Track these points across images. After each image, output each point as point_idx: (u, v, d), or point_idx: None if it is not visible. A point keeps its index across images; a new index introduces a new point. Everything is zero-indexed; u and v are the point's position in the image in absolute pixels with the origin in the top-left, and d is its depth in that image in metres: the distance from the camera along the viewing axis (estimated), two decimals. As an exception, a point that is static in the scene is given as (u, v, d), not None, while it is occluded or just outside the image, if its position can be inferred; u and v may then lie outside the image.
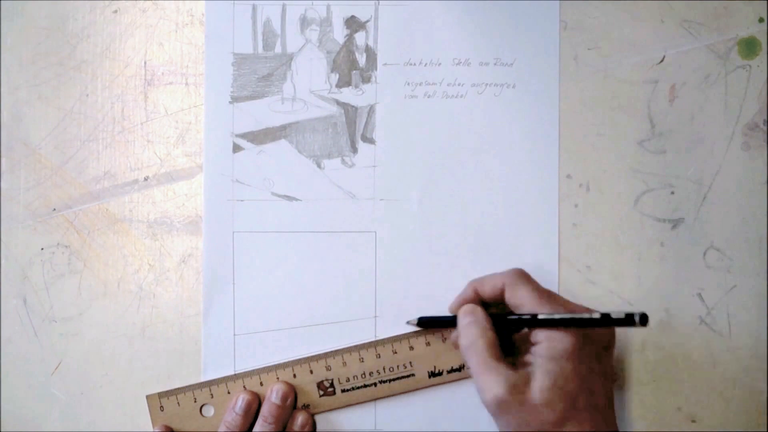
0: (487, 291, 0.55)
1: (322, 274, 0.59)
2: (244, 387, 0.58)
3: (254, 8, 0.60)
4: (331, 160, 0.60)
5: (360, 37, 0.60)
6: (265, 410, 0.57)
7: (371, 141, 0.60)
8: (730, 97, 0.59)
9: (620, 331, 0.58)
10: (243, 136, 0.59)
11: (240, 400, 0.58)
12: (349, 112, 0.60)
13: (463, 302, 0.56)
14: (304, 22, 0.60)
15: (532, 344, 0.51)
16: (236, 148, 0.59)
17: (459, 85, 0.59)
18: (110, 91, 0.60)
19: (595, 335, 0.52)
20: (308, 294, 0.59)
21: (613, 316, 0.50)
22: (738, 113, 0.59)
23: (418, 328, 0.58)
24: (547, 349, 0.50)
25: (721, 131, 0.59)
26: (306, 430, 0.58)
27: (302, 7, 0.60)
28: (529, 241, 0.59)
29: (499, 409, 0.50)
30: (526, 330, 0.53)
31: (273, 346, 0.59)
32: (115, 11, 0.60)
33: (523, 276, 0.54)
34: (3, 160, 0.60)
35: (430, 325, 0.58)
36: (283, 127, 0.60)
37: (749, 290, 0.59)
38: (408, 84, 0.60)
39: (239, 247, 0.59)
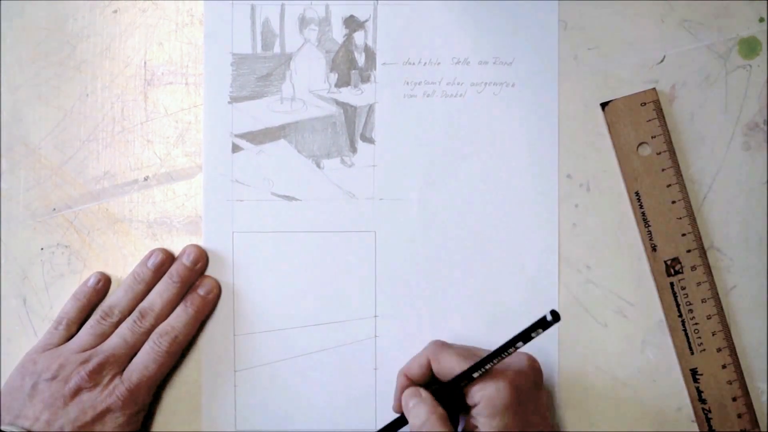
0: (416, 372, 0.55)
1: (322, 274, 0.59)
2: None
3: (253, 8, 0.60)
4: (330, 159, 0.60)
5: (359, 37, 0.60)
6: (173, 269, 0.58)
7: (370, 141, 0.60)
8: (730, 97, 0.59)
9: (619, 335, 0.58)
10: (242, 136, 0.60)
11: (153, 256, 0.58)
12: (349, 111, 0.60)
13: (402, 392, 0.55)
14: (303, 22, 0.60)
15: (472, 407, 0.52)
16: (236, 148, 0.59)
17: (458, 84, 0.59)
18: (110, 91, 0.60)
19: (523, 379, 0.52)
20: (308, 294, 0.59)
21: (527, 325, 0.50)
22: (738, 113, 0.59)
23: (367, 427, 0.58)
24: (485, 407, 0.51)
25: (721, 131, 0.59)
26: (210, 296, 0.58)
27: (301, 7, 0.60)
28: (529, 241, 0.59)
29: None
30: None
31: (273, 346, 0.59)
32: (115, 11, 0.60)
33: (443, 345, 0.55)
34: (3, 160, 0.60)
35: None
36: (283, 127, 0.60)
37: (749, 290, 0.59)
38: (407, 83, 0.60)
39: (239, 247, 0.59)
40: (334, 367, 0.59)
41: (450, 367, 0.53)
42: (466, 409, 0.53)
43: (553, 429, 0.55)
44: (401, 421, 0.55)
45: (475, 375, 0.51)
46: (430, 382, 0.55)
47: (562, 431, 0.57)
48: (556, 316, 0.49)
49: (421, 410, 0.52)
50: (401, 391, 0.55)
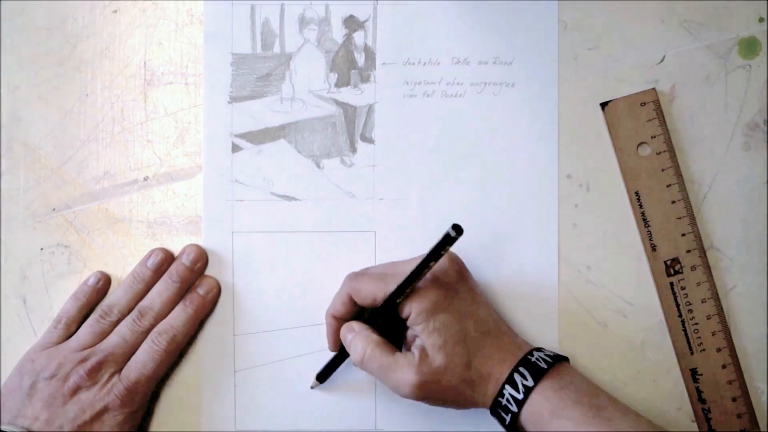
0: (341, 309, 0.56)
1: (322, 274, 0.59)
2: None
3: (253, 8, 0.60)
4: (330, 159, 0.60)
5: (359, 37, 0.60)
6: (173, 269, 0.58)
7: (370, 140, 0.60)
8: (730, 97, 0.59)
9: (619, 335, 0.58)
10: (242, 136, 0.60)
11: (153, 256, 0.58)
12: (348, 111, 0.60)
13: (333, 334, 0.56)
14: (303, 22, 0.60)
15: (405, 320, 0.54)
16: (235, 148, 0.59)
17: (458, 84, 0.59)
18: (110, 91, 0.60)
19: (445, 275, 0.54)
20: (308, 294, 0.59)
21: (434, 244, 0.51)
22: (738, 113, 0.59)
23: (318, 385, 0.58)
24: (417, 315, 0.52)
25: (721, 131, 0.59)
26: (209, 296, 0.58)
27: (301, 7, 0.60)
28: (529, 241, 0.59)
29: (421, 391, 0.52)
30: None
31: (273, 346, 0.59)
32: (115, 11, 0.60)
33: (357, 275, 0.56)
34: (3, 160, 0.60)
35: (327, 374, 0.58)
36: (282, 127, 0.60)
37: (749, 290, 0.59)
38: (407, 83, 0.60)
39: (239, 247, 0.59)
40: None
41: (372, 294, 0.54)
42: (404, 322, 0.54)
43: (490, 311, 0.55)
44: (339, 358, 0.57)
45: (398, 300, 0.53)
46: (359, 313, 0.56)
47: (498, 313, 0.57)
48: (459, 230, 0.50)
49: (358, 343, 0.54)
50: (333, 332, 0.56)
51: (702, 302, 0.58)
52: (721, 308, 0.58)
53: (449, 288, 0.54)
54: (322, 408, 0.59)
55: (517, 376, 0.52)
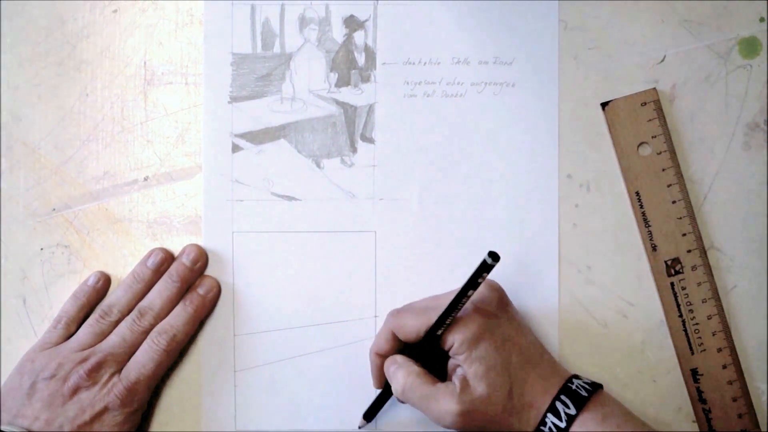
0: (384, 347, 0.55)
1: (322, 274, 0.59)
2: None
3: (253, 8, 0.60)
4: (330, 159, 0.60)
5: (359, 37, 0.60)
6: (173, 268, 0.58)
7: (371, 140, 0.60)
8: (730, 97, 0.59)
9: (619, 335, 0.58)
10: (242, 136, 0.60)
11: (153, 256, 0.58)
12: (349, 111, 0.60)
13: (378, 371, 0.56)
14: (303, 22, 0.60)
15: (448, 351, 0.53)
16: (235, 148, 0.59)
17: (458, 84, 0.59)
18: (110, 90, 0.60)
19: (486, 305, 0.54)
20: (308, 294, 0.59)
21: (471, 272, 0.52)
22: (738, 113, 0.59)
23: (367, 426, 0.58)
24: (460, 346, 0.52)
25: (722, 131, 0.59)
26: (209, 296, 0.58)
27: (301, 7, 0.60)
28: (529, 241, 0.59)
29: (463, 420, 0.52)
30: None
31: (273, 346, 0.59)
32: (115, 11, 0.60)
33: (398, 312, 0.55)
34: (3, 160, 0.60)
35: (374, 412, 0.58)
36: (282, 127, 0.60)
37: (749, 290, 0.59)
38: (407, 83, 0.60)
39: (239, 247, 0.59)
40: (334, 368, 0.59)
41: (415, 329, 0.54)
42: (446, 354, 0.54)
43: (532, 338, 0.55)
44: (384, 395, 0.57)
45: (439, 332, 0.53)
46: (403, 348, 0.56)
47: (539, 340, 0.57)
48: (495, 257, 0.50)
49: (399, 374, 0.54)
50: (378, 369, 0.56)
51: (702, 302, 0.58)
52: (722, 308, 0.58)
53: (490, 316, 0.53)
54: (322, 408, 0.59)
55: (559, 405, 0.52)
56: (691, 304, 0.58)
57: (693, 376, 0.58)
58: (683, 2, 0.59)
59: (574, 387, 0.53)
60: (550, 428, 0.52)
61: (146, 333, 0.56)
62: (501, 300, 0.55)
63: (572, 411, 0.51)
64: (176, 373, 0.59)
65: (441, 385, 0.53)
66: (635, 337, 0.59)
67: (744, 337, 0.58)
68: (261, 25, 0.60)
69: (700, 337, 0.58)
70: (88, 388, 0.54)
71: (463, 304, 0.52)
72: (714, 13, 0.59)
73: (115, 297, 0.58)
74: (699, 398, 0.58)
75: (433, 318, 0.53)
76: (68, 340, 0.57)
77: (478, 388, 0.52)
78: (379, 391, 0.57)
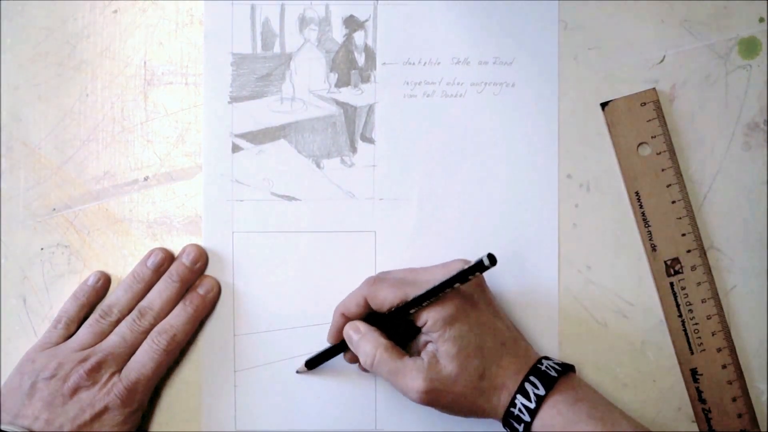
0: (354, 311, 0.55)
1: (322, 274, 0.59)
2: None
3: (253, 8, 0.60)
4: (330, 159, 0.60)
5: (359, 37, 0.60)
6: (173, 268, 0.58)
7: (370, 140, 0.60)
8: (730, 97, 0.59)
9: (619, 335, 0.58)
10: (242, 136, 0.60)
11: (153, 256, 0.58)
12: (348, 111, 0.60)
13: (337, 330, 0.56)
14: (303, 22, 0.60)
15: (421, 327, 0.53)
16: (235, 148, 0.59)
17: (458, 84, 0.59)
18: (110, 90, 0.60)
19: (465, 286, 0.53)
20: (308, 294, 0.59)
21: (465, 267, 0.51)
22: (738, 113, 0.59)
23: (305, 371, 0.58)
24: (434, 324, 0.52)
25: (721, 131, 0.59)
26: (209, 296, 0.58)
27: (301, 7, 0.60)
28: (529, 241, 0.59)
29: (428, 397, 0.52)
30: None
31: (273, 346, 0.59)
32: (115, 11, 0.60)
33: (377, 279, 0.55)
34: (3, 160, 0.60)
35: (317, 362, 0.58)
36: (283, 127, 0.60)
37: (749, 290, 0.59)
38: (407, 83, 0.60)
39: (239, 247, 0.59)
40: (334, 368, 0.59)
41: (389, 300, 0.54)
42: (415, 329, 0.54)
43: (507, 322, 0.56)
44: (334, 350, 0.57)
45: (412, 311, 0.53)
46: (369, 316, 0.56)
47: (515, 326, 0.57)
48: (493, 260, 0.50)
49: (367, 346, 0.54)
50: (338, 329, 0.56)
51: (702, 302, 0.58)
52: (722, 308, 0.58)
53: (468, 298, 0.54)
54: (322, 408, 0.59)
55: (528, 386, 0.52)
56: (690, 304, 0.58)
57: (693, 376, 0.58)
58: (683, 2, 0.59)
59: (543, 368, 0.53)
60: (519, 409, 0.52)
61: (146, 333, 0.56)
62: (479, 284, 0.55)
63: (541, 392, 0.52)
64: (176, 373, 0.59)
65: (409, 361, 0.53)
66: (635, 337, 0.59)
67: (743, 337, 0.58)
68: (261, 25, 0.60)
69: (699, 337, 0.58)
70: (88, 388, 0.54)
71: (445, 294, 0.52)
72: (714, 13, 0.59)
73: (115, 297, 0.58)
74: (699, 398, 0.58)
75: (408, 292, 0.53)
76: (68, 340, 0.57)
77: (448, 366, 0.52)
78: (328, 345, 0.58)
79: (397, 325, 0.54)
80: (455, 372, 0.52)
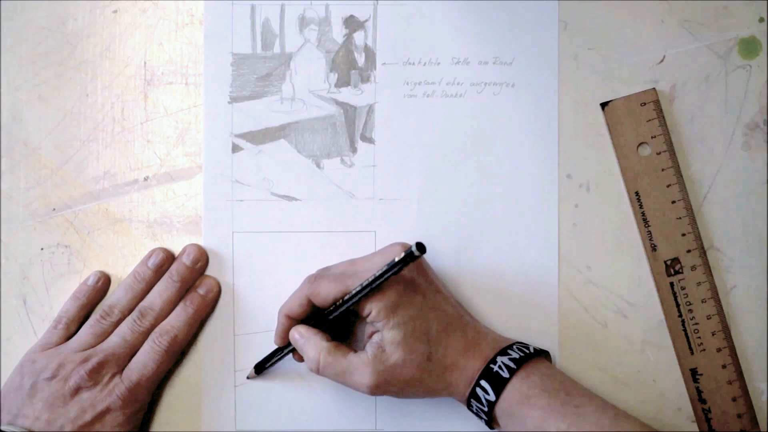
0: (297, 311, 0.55)
1: (322, 274, 0.59)
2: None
3: (253, 8, 0.60)
4: (330, 159, 0.60)
5: (359, 37, 0.60)
6: (173, 268, 0.58)
7: (370, 140, 0.60)
8: (730, 97, 0.59)
9: (619, 335, 0.58)
10: (242, 136, 0.60)
11: (154, 256, 0.58)
12: (348, 111, 0.60)
13: (283, 332, 0.56)
14: (303, 22, 0.60)
15: (364, 318, 0.54)
16: (235, 148, 0.59)
17: (458, 84, 0.59)
18: (110, 91, 0.60)
19: (406, 270, 0.53)
20: (308, 294, 0.59)
21: (397, 259, 0.51)
22: (738, 113, 0.59)
23: (255, 377, 0.59)
24: (377, 314, 0.52)
25: (721, 131, 0.59)
26: (210, 296, 0.58)
27: (301, 7, 0.60)
28: (529, 241, 0.59)
29: (380, 389, 0.53)
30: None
31: (273, 346, 0.59)
32: (115, 11, 0.60)
33: (317, 276, 0.55)
34: (3, 160, 0.60)
35: (264, 365, 0.58)
36: (283, 127, 0.60)
37: (749, 290, 0.59)
38: (407, 83, 0.60)
39: (239, 247, 0.59)
40: (334, 367, 0.59)
41: (331, 296, 0.54)
42: (354, 316, 0.55)
43: (452, 301, 0.56)
44: (279, 351, 0.57)
45: (354, 303, 0.53)
46: (316, 313, 0.56)
47: (465, 309, 0.57)
48: (422, 249, 0.50)
49: (310, 351, 0.54)
50: (284, 331, 0.56)
51: (702, 302, 0.58)
52: (721, 308, 0.58)
53: (409, 283, 0.54)
54: (322, 408, 0.59)
55: (494, 367, 0.53)
56: (690, 304, 0.58)
57: (692, 375, 0.58)
58: (683, 2, 0.59)
59: (513, 352, 0.53)
60: (483, 391, 0.52)
61: (147, 333, 0.56)
62: (419, 266, 0.55)
63: (506, 374, 0.52)
64: (176, 373, 0.59)
65: (354, 358, 0.53)
66: (635, 337, 0.59)
67: (743, 337, 0.58)
68: (261, 25, 0.60)
69: (699, 337, 0.58)
70: (89, 389, 0.54)
71: (388, 282, 0.52)
72: (714, 13, 0.59)
73: (116, 297, 0.58)
74: (698, 398, 0.58)
75: (348, 285, 0.53)
76: (69, 340, 0.57)
77: (395, 353, 0.52)
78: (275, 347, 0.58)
79: (344, 318, 0.55)
80: (402, 358, 0.52)
